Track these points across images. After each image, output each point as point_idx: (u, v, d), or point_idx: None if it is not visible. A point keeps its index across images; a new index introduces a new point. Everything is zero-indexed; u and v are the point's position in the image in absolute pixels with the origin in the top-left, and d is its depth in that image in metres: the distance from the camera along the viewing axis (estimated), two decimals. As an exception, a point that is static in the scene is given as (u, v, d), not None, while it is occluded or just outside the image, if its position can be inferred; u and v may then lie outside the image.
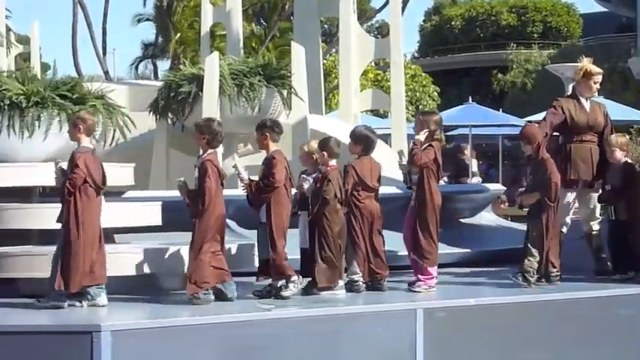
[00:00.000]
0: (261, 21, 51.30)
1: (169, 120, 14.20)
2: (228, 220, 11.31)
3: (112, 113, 11.69)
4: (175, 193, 9.73)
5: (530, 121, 15.91)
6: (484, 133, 33.75)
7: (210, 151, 9.46)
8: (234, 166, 9.88)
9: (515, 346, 9.54)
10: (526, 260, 10.24)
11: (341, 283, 9.93)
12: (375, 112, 29.48)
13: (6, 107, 11.16)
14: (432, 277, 10.19)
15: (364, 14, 41.18)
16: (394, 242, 10.63)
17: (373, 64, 36.65)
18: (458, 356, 9.34)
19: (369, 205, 10.14)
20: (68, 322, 8.62)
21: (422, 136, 10.19)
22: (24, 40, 20.13)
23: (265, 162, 9.75)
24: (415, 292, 10.06)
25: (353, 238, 10.07)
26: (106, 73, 20.99)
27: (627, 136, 11.18)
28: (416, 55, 69.50)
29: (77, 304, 9.04)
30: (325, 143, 10.09)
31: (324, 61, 21.61)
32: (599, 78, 11.50)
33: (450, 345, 9.30)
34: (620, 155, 10.94)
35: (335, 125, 15.82)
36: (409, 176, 10.42)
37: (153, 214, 10.56)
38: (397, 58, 16.83)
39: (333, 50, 36.52)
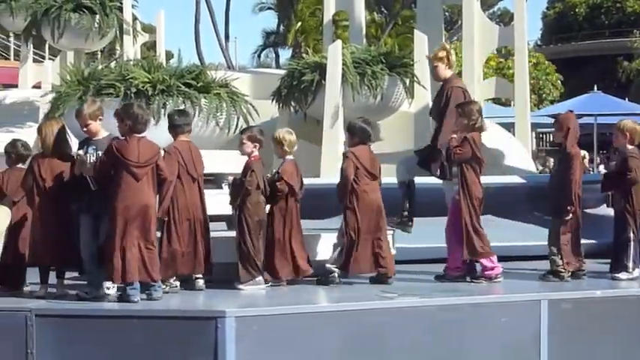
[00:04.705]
0: (382, 9, 51.19)
1: (292, 108, 14.28)
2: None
3: (235, 101, 11.80)
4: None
5: None
6: (610, 123, 33.12)
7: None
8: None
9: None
10: None
11: (259, 278, 9.58)
12: (496, 101, 29.21)
13: (132, 95, 11.33)
14: (493, 268, 9.96)
15: (486, 2, 40.82)
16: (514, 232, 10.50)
17: (495, 51, 36.28)
18: (582, 348, 9.19)
19: (371, 196, 9.86)
20: (193, 307, 8.75)
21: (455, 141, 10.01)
22: (148, 29, 20.45)
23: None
24: (476, 283, 9.86)
25: (347, 226, 9.81)
26: (229, 61, 21.18)
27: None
28: (539, 42, 68.56)
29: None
30: (254, 135, 9.82)
31: (446, 49, 21.49)
32: (434, 62, 10.95)
33: (574, 336, 9.16)
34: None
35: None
36: (448, 169, 10.23)
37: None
38: (521, 45, 16.61)
39: (454, 38, 36.26)
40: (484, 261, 9.96)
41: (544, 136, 43.10)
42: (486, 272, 9.96)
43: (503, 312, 8.96)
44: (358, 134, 10.10)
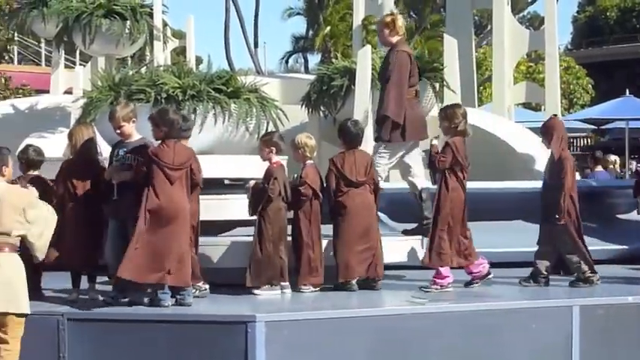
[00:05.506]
0: (411, 13, 51.16)
1: (321, 113, 14.27)
2: (380, 214, 11.34)
3: (265, 106, 11.79)
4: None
5: None
6: (640, 127, 32.90)
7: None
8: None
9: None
10: None
11: (283, 283, 9.55)
12: (527, 105, 29.07)
13: (163, 101, 11.32)
14: (445, 277, 9.84)
15: (516, 6, 40.65)
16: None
17: (525, 55, 36.17)
18: (615, 354, 9.15)
19: (353, 202, 9.81)
20: (223, 312, 8.76)
21: (435, 142, 10.01)
22: (178, 35, 20.49)
23: None
24: (427, 292, 9.68)
25: (335, 234, 9.81)
26: (258, 66, 21.21)
27: None
28: (569, 46, 68.24)
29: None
30: (271, 139, 9.81)
31: (475, 53, 21.39)
32: (378, 27, 10.93)
33: (606, 342, 9.12)
34: None
35: (487, 118, 15.66)
36: (432, 175, 10.18)
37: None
38: (552, 49, 16.55)
39: (484, 42, 36.16)
40: (442, 270, 9.82)
41: (575, 140, 42.90)
42: (439, 280, 9.80)
43: (535, 318, 8.93)
44: (343, 137, 10.14)
